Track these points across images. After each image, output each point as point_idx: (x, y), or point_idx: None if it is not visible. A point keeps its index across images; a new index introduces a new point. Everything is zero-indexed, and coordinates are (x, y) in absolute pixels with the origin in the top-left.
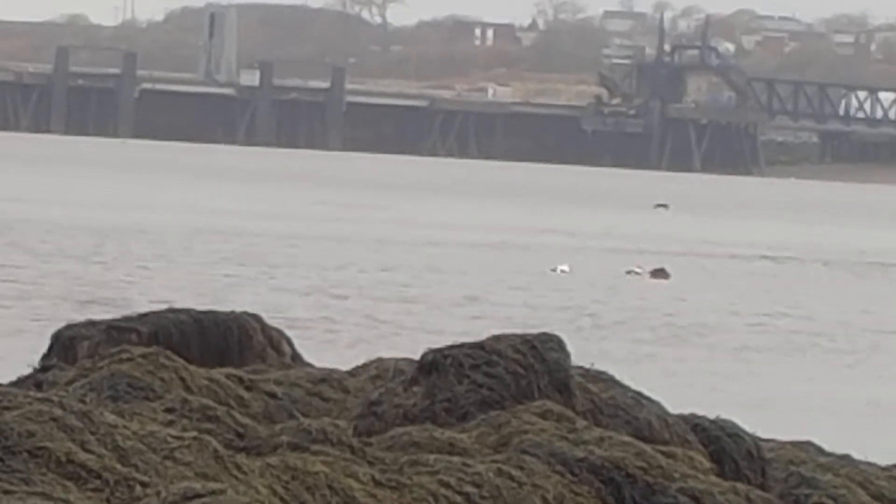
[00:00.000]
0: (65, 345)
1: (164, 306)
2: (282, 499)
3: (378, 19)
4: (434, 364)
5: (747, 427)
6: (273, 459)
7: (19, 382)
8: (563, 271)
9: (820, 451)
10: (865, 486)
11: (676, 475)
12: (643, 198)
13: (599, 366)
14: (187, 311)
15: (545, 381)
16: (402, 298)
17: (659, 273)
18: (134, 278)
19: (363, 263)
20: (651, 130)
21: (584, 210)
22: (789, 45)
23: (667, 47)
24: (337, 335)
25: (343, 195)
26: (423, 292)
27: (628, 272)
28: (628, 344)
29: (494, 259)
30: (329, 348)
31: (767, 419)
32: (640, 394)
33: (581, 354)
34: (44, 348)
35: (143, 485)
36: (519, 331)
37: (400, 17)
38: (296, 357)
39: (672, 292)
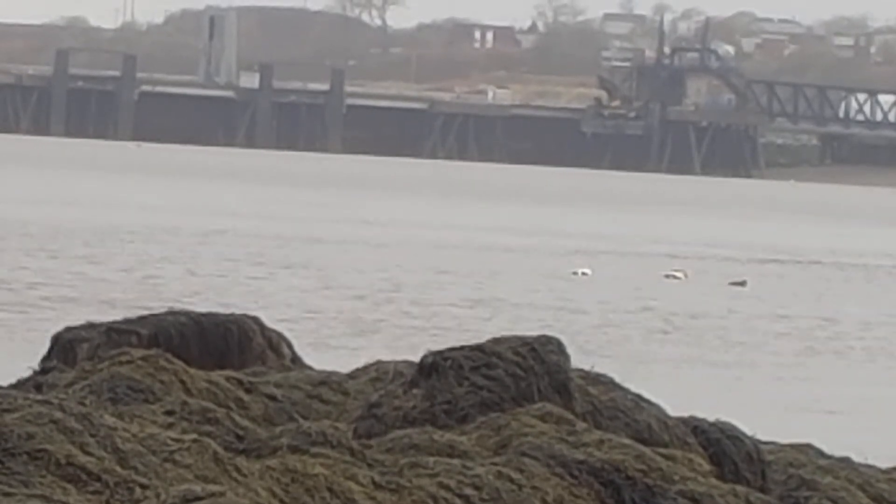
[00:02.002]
0: (64, 347)
1: (163, 308)
2: (281, 501)
3: (378, 21)
4: (434, 366)
5: (747, 429)
6: (273, 462)
7: (19, 385)
8: (583, 274)
9: (820, 453)
10: (865, 489)
11: (676, 477)
12: (646, 199)
13: (641, 369)
14: (187, 313)
15: (545, 384)
16: (421, 303)
17: (738, 282)
18: (133, 280)
19: (370, 265)
20: (651, 133)
21: (591, 212)
22: (789, 48)
23: (667, 50)
24: (344, 338)
25: (343, 197)
26: (441, 296)
27: (667, 276)
28: (672, 347)
29: (511, 262)
30: (334, 350)
31: (769, 421)
32: (639, 396)
33: (622, 357)
34: (43, 350)
35: (143, 487)
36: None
37: (399, 19)
38: (295, 359)
39: (708, 297)
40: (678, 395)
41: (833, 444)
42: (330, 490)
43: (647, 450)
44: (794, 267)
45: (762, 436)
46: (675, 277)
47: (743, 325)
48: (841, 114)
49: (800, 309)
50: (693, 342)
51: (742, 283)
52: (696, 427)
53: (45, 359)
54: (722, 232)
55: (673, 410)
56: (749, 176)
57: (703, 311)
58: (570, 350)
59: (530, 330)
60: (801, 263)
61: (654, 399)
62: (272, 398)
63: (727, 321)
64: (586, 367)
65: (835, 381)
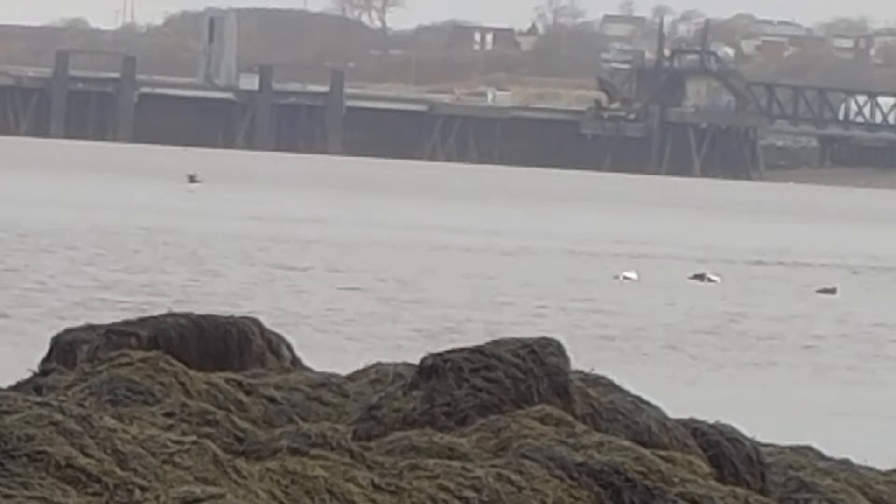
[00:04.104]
0: (64, 349)
1: (163, 310)
2: (281, 503)
3: (377, 23)
4: (434, 368)
5: (746, 431)
6: (272, 464)
7: (19, 387)
8: (626, 278)
9: (819, 455)
10: (865, 491)
11: (676, 480)
12: (648, 200)
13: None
14: (187, 315)
15: (545, 386)
16: (423, 304)
17: (827, 289)
18: (133, 282)
19: (370, 267)
20: (651, 135)
21: (595, 212)
22: (789, 50)
23: (666, 52)
24: (343, 340)
25: (343, 199)
26: (445, 298)
27: (700, 278)
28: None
29: (548, 265)
30: (334, 352)
31: (768, 423)
32: (639, 398)
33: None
34: (43, 352)
35: (143, 489)
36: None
37: (399, 21)
38: (295, 361)
39: (740, 298)
40: (693, 397)
41: (833, 446)
42: (330, 492)
43: (646, 452)
44: (808, 268)
45: (762, 437)
46: (710, 280)
47: (765, 329)
48: (840, 116)
49: (816, 310)
50: (718, 345)
51: (832, 291)
52: (695, 429)
53: (45, 361)
54: (733, 233)
55: (684, 413)
56: (749, 178)
57: (736, 314)
58: (614, 352)
59: (591, 339)
60: (813, 265)
61: (682, 402)
62: (272, 400)
63: (753, 325)
64: (585, 369)
65: (837, 381)
